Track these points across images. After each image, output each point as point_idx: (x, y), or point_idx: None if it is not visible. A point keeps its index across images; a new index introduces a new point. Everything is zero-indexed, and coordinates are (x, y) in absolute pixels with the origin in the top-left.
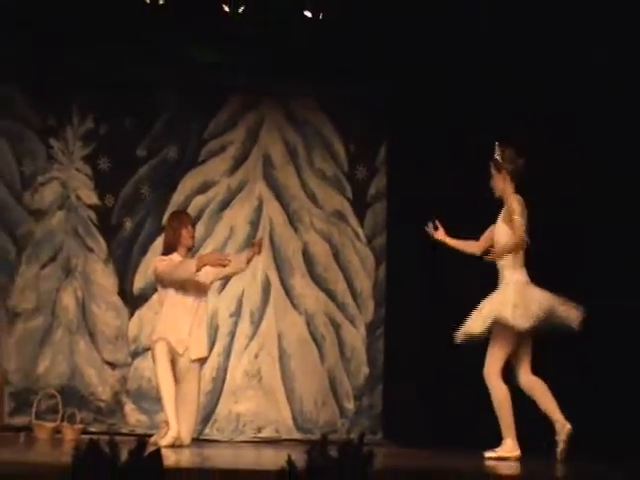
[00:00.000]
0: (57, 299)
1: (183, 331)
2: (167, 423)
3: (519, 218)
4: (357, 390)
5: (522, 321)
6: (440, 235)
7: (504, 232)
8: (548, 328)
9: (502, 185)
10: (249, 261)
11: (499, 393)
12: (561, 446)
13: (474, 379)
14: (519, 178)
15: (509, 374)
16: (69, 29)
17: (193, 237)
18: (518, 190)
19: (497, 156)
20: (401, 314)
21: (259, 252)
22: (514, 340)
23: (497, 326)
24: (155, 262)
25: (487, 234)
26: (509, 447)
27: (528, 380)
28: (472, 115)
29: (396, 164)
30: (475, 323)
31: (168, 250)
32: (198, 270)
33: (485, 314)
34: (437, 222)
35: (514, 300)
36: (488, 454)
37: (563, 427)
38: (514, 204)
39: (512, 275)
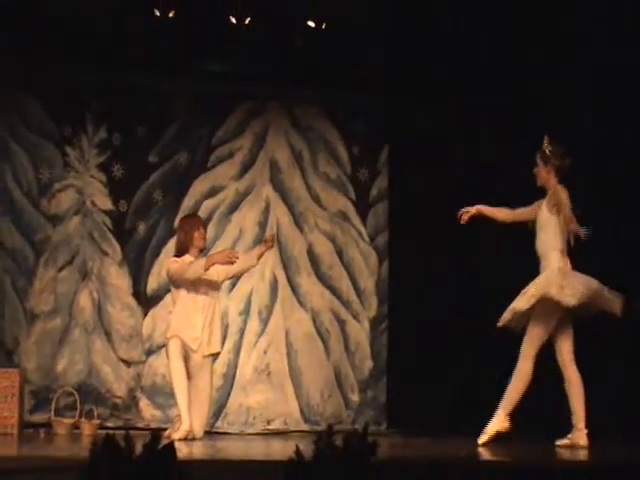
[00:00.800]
0: (74, 300)
1: (196, 328)
2: (180, 417)
3: (570, 211)
4: (362, 383)
5: (569, 298)
6: (473, 215)
7: (548, 219)
8: (592, 311)
9: (546, 176)
10: (260, 257)
11: (524, 373)
12: (564, 442)
13: (474, 371)
14: (563, 175)
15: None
16: (83, 42)
17: (204, 239)
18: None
19: (546, 149)
20: (403, 309)
21: (272, 246)
22: (555, 321)
23: (541, 306)
24: (167, 263)
25: (529, 210)
26: (500, 419)
27: (572, 373)
28: (471, 118)
29: (397, 166)
30: (521, 302)
31: (180, 252)
32: (207, 269)
33: (531, 293)
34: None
35: (560, 282)
36: (481, 440)
37: (579, 439)
38: (562, 196)
39: (558, 261)
